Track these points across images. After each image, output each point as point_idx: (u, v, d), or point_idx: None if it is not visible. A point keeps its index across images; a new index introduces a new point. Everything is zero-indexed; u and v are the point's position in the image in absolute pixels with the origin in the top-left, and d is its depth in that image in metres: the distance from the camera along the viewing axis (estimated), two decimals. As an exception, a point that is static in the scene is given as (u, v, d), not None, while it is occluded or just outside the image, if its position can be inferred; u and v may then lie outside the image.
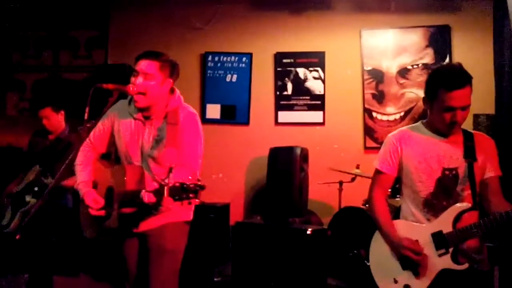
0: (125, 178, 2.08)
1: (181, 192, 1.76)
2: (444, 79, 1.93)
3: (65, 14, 5.12)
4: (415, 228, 2.04)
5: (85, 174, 2.24)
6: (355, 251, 3.74)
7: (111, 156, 2.37)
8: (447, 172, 1.99)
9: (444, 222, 1.97)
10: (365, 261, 3.67)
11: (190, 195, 1.76)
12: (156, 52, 2.16)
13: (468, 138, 2.03)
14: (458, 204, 1.97)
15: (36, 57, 5.21)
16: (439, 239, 1.96)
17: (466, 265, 1.92)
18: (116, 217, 2.09)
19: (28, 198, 3.30)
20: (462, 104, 1.92)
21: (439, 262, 1.95)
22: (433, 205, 2.02)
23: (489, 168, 2.02)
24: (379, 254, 2.12)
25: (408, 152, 2.07)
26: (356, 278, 3.69)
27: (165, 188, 1.81)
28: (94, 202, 2.13)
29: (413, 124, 2.17)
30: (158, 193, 1.86)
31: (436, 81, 1.96)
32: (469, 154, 1.99)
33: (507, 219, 1.83)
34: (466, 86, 1.91)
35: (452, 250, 1.94)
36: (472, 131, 2.09)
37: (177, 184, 1.78)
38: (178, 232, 2.23)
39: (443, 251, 1.95)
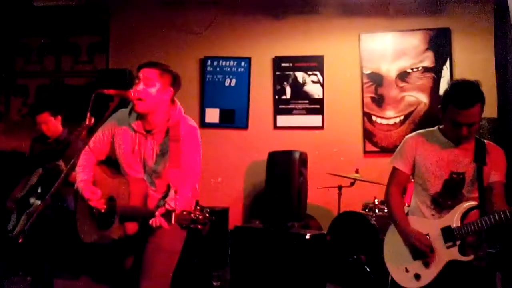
0: (130, 191, 2.14)
1: (190, 223, 1.89)
2: (454, 96, 2.09)
3: (66, 20, 5.18)
4: (426, 223, 2.23)
5: (84, 175, 2.30)
6: (355, 256, 3.71)
7: (110, 159, 2.38)
8: (454, 176, 2.19)
9: (453, 218, 2.16)
10: (365, 267, 3.66)
11: (199, 226, 1.88)
12: (157, 62, 2.25)
13: (480, 146, 2.20)
14: (466, 203, 2.16)
15: (39, 62, 5.29)
16: (447, 233, 2.15)
17: (471, 257, 2.10)
18: (117, 229, 2.13)
19: (32, 200, 3.33)
20: (468, 121, 2.07)
21: (447, 253, 2.14)
22: (438, 203, 2.22)
23: (494, 174, 2.19)
24: (393, 245, 2.31)
25: (422, 154, 2.26)
26: (355, 284, 3.66)
27: (173, 214, 1.93)
28: (92, 193, 2.19)
29: (430, 129, 2.34)
30: (166, 216, 1.97)
31: (448, 95, 2.13)
32: (479, 159, 2.17)
33: (510, 217, 1.98)
34: (474, 106, 2.04)
35: (459, 243, 2.12)
36: (485, 141, 2.25)
37: (185, 213, 1.90)
38: (175, 234, 2.24)
39: (451, 243, 2.14)
